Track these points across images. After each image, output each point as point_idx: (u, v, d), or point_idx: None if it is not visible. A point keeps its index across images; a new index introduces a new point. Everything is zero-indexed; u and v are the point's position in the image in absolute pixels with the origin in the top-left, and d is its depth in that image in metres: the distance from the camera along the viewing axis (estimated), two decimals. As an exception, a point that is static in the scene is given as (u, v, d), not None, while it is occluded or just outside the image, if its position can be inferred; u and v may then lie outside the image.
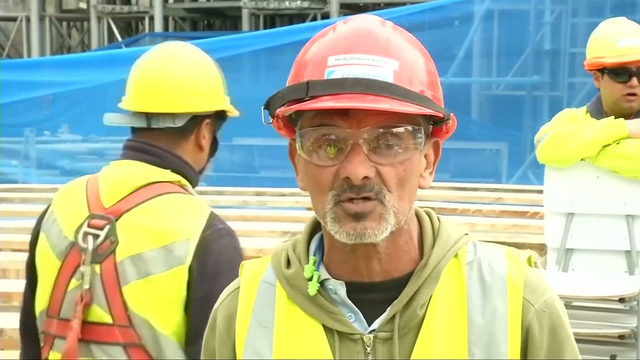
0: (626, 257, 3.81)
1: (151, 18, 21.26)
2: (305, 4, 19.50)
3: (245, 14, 20.18)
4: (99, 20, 21.86)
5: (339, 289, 1.33)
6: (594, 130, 3.73)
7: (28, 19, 22.45)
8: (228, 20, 23.74)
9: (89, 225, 2.26)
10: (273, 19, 21.76)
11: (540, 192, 6.39)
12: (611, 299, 3.60)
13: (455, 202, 8.71)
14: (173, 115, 2.33)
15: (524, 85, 14.47)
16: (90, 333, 2.23)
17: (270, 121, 1.32)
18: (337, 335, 1.32)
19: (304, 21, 19.49)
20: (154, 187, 2.30)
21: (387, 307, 1.32)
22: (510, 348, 1.31)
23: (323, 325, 1.33)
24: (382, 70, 1.25)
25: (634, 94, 3.70)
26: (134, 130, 2.39)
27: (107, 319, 2.22)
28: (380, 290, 1.33)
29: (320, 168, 1.28)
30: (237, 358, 1.37)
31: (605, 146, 3.74)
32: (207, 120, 2.39)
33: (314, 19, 19.35)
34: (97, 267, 2.24)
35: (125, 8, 22.31)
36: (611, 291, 3.62)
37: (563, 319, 1.36)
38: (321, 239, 1.38)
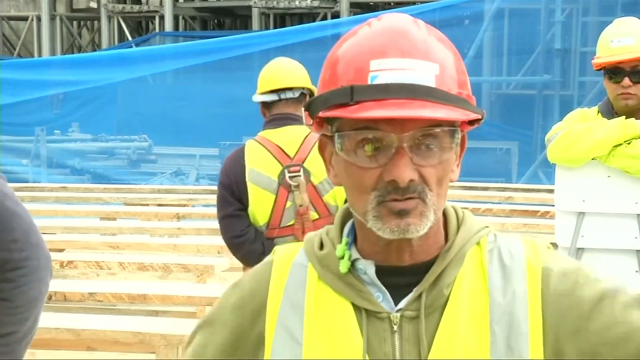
0: (637, 257, 3.80)
1: (161, 17, 21.31)
2: (316, 3, 19.51)
3: (255, 13, 20.20)
4: (110, 19, 21.93)
5: (369, 268, 1.37)
6: (605, 129, 3.73)
7: (39, 18, 22.54)
8: (238, 19, 23.78)
9: (290, 172, 3.78)
10: (283, 18, 21.78)
11: (551, 191, 6.38)
12: (622, 299, 3.59)
13: (466, 201, 8.72)
14: (292, 90, 3.84)
15: (534, 84, 14.45)
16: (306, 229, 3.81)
17: (311, 122, 1.37)
18: (365, 314, 1.37)
19: (314, 20, 19.50)
20: (312, 136, 3.76)
21: (413, 289, 1.37)
22: (531, 327, 1.36)
23: (352, 304, 1.38)
24: (424, 74, 1.29)
25: (628, 93, 3.71)
26: (268, 105, 3.87)
27: (315, 216, 3.84)
28: (407, 274, 1.38)
29: (363, 169, 1.32)
30: (267, 336, 1.41)
31: (616, 146, 3.74)
32: (307, 95, 3.87)
33: (324, 18, 19.35)
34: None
35: (136, 7, 22.37)
36: (622, 291, 3.61)
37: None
38: (353, 225, 1.43)
